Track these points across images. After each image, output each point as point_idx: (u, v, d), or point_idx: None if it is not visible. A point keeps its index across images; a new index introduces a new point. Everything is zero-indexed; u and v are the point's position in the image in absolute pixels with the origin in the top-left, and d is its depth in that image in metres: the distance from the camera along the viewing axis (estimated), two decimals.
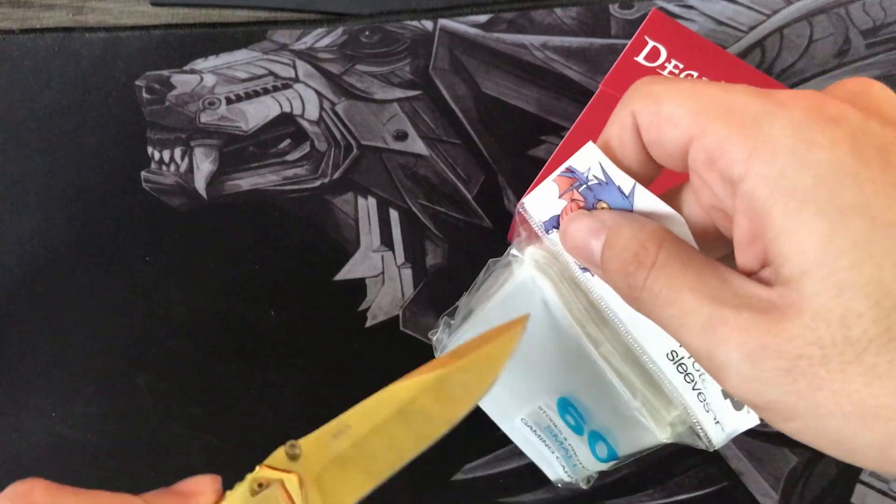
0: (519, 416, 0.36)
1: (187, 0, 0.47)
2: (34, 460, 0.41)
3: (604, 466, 0.34)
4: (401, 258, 0.43)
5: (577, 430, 0.34)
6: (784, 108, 0.21)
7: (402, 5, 0.46)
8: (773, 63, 0.44)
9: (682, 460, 0.39)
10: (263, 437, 0.41)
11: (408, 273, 0.42)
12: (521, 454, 0.38)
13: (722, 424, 0.27)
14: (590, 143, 0.26)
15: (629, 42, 0.40)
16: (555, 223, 0.27)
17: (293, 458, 0.26)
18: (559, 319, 0.30)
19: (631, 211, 0.25)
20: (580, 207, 0.26)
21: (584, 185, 0.26)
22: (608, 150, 0.26)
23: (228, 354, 0.42)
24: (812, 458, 0.39)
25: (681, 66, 0.39)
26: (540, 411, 0.35)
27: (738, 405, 0.27)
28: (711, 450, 0.28)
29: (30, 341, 0.43)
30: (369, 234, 0.43)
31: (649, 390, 0.29)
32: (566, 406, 0.34)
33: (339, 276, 0.43)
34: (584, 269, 0.27)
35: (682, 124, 0.22)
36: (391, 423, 0.27)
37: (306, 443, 0.26)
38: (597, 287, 0.27)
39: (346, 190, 0.44)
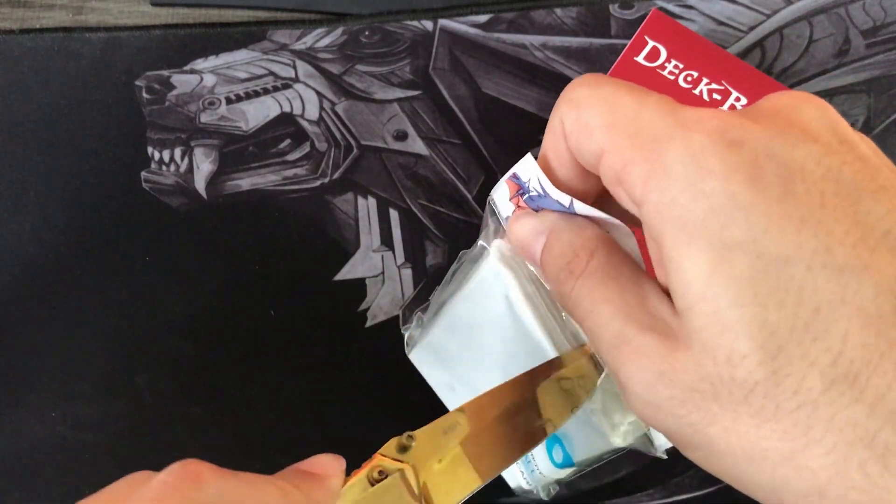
0: None
1: (187, 0, 0.47)
2: (34, 460, 0.41)
3: (561, 474, 0.33)
4: (401, 258, 0.43)
5: None
6: (684, 131, 0.20)
7: (402, 5, 0.46)
8: (773, 63, 0.44)
9: (682, 460, 0.39)
10: (264, 436, 0.41)
11: (408, 273, 0.42)
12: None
13: None
14: (528, 156, 0.25)
15: (629, 42, 0.40)
16: None
17: (405, 449, 0.26)
18: (519, 315, 0.29)
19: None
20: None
21: (527, 195, 0.26)
22: (546, 162, 0.25)
23: (228, 354, 0.42)
24: None
25: (681, 65, 0.39)
26: None
27: None
28: (662, 456, 0.28)
29: (30, 341, 0.43)
30: (369, 234, 0.43)
31: (607, 394, 0.29)
32: None
33: (339, 276, 0.43)
34: None
35: (596, 136, 0.22)
36: (501, 422, 0.27)
37: (420, 435, 0.26)
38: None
39: (346, 190, 0.44)
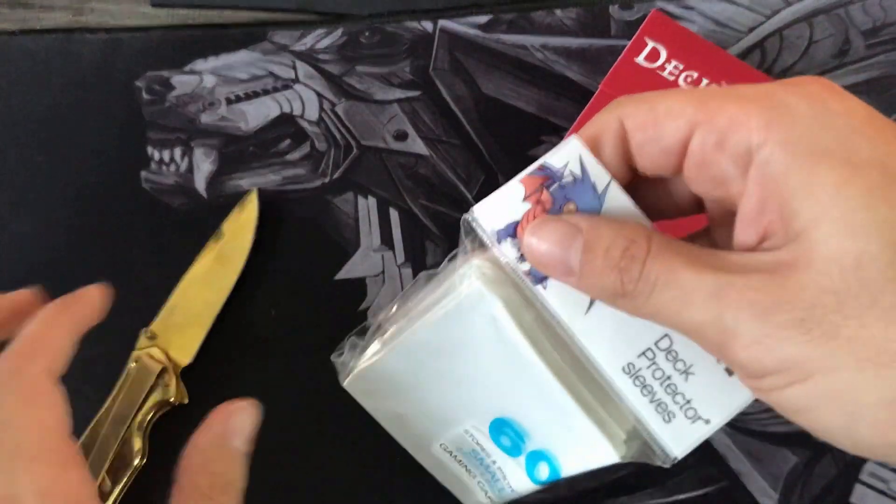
0: (438, 441, 0.34)
1: (187, 1, 0.47)
2: None
3: (537, 489, 0.33)
4: (401, 258, 0.43)
5: (514, 451, 0.32)
6: (796, 85, 0.21)
7: (402, 6, 0.47)
8: (773, 64, 0.45)
9: (681, 460, 0.39)
10: (263, 436, 0.41)
11: (408, 273, 0.42)
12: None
13: (682, 436, 0.26)
14: (573, 137, 0.25)
15: (629, 43, 0.40)
16: (511, 231, 0.26)
17: (152, 337, 0.41)
18: (507, 335, 0.28)
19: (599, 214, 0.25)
20: (545, 211, 0.25)
21: (557, 184, 0.25)
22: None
23: (229, 354, 0.42)
24: (812, 458, 0.39)
25: (681, 66, 0.39)
26: (465, 435, 0.33)
27: (703, 411, 0.26)
28: (668, 465, 0.27)
29: None
30: (369, 234, 0.43)
31: (603, 407, 0.28)
32: (502, 427, 0.32)
33: (340, 276, 0.43)
34: (538, 282, 0.26)
35: (685, 114, 0.22)
36: (199, 289, 0.42)
37: (155, 326, 0.41)
38: (550, 300, 0.26)
39: (346, 190, 0.44)
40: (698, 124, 0.22)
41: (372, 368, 0.33)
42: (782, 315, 0.20)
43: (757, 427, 0.39)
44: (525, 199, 0.25)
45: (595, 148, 0.25)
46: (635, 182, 0.26)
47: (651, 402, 0.26)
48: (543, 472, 0.31)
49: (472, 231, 0.27)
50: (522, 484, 0.33)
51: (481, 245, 0.27)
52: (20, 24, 0.47)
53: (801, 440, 0.39)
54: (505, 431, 0.32)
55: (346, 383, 0.34)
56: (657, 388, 0.26)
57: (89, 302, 0.32)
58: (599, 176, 0.25)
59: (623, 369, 0.26)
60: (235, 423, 0.28)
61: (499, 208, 0.26)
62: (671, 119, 0.23)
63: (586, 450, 0.29)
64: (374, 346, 0.33)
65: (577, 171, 0.25)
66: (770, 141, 0.21)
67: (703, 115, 0.22)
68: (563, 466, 0.31)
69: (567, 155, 0.25)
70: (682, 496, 0.39)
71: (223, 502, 0.27)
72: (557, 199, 0.25)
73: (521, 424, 0.31)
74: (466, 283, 0.28)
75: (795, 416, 0.21)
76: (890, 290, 0.19)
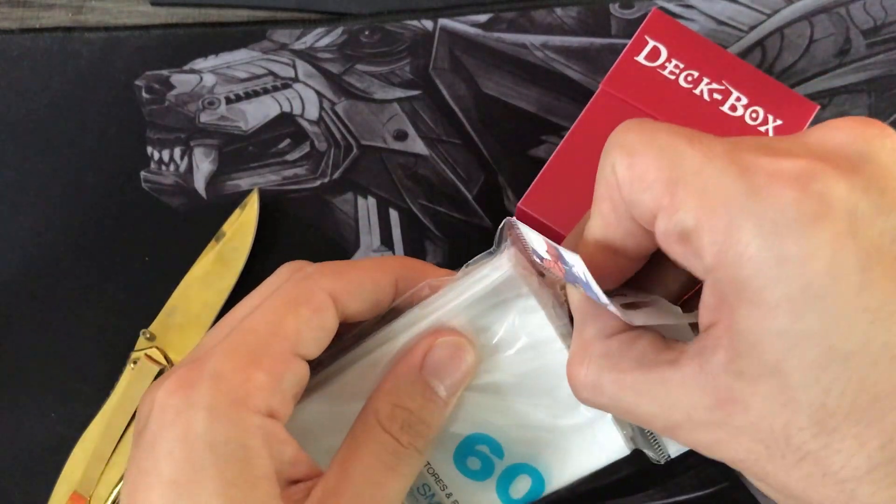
0: None
1: (187, 0, 0.47)
2: (33, 460, 0.41)
3: None
4: None
5: (483, 473, 0.29)
6: (761, 201, 0.19)
7: (402, 5, 0.46)
8: (773, 63, 0.44)
9: (682, 460, 0.39)
10: None
11: None
12: None
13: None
14: (577, 258, 0.22)
15: (630, 42, 0.40)
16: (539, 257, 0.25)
17: (151, 338, 0.41)
18: (533, 321, 0.27)
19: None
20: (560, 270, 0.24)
21: (569, 269, 0.24)
22: (601, 217, 0.24)
23: None
24: None
25: (681, 65, 0.39)
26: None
27: None
28: (663, 462, 0.27)
29: (30, 341, 0.43)
30: (369, 234, 0.43)
31: None
32: (475, 444, 0.29)
33: None
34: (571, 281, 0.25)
35: (654, 190, 0.21)
36: (198, 290, 0.41)
37: (155, 327, 0.41)
38: (572, 296, 0.26)
39: (346, 190, 0.44)
40: (662, 208, 0.21)
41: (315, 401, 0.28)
42: (726, 453, 0.22)
43: None
44: (546, 251, 0.24)
45: (614, 205, 0.23)
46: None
47: None
48: (521, 488, 0.29)
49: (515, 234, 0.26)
50: None
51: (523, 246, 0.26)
52: (19, 23, 0.47)
53: None
54: (476, 451, 0.29)
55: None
56: None
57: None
58: (602, 298, 0.23)
59: None
60: (436, 359, 0.26)
61: (537, 242, 0.25)
62: (642, 189, 0.21)
63: (584, 446, 0.28)
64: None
65: (583, 280, 0.23)
66: (717, 273, 0.20)
67: (668, 199, 0.21)
68: (553, 474, 0.29)
69: (577, 263, 0.23)
70: (682, 497, 0.39)
71: (404, 441, 0.25)
72: (567, 278, 0.24)
73: (499, 437, 0.28)
74: (499, 270, 0.26)
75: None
76: (811, 459, 0.20)
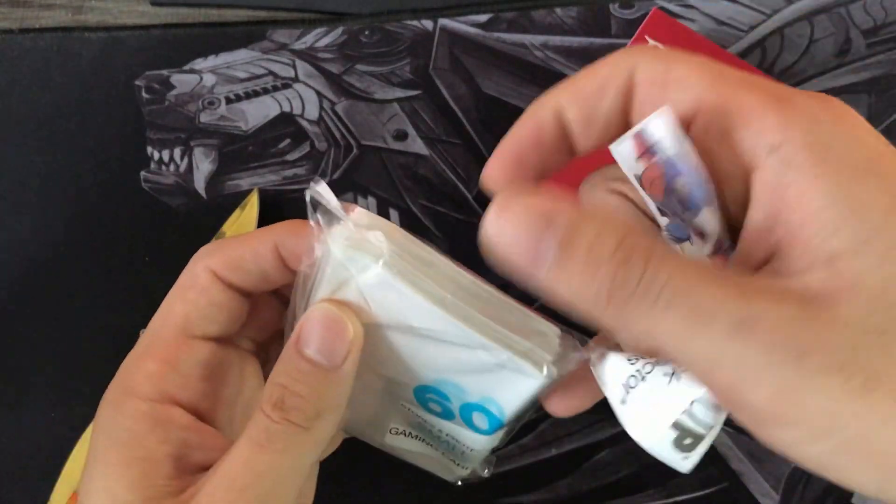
0: (388, 427, 0.32)
1: (187, 0, 0.47)
2: (33, 460, 0.41)
3: (493, 440, 0.30)
4: None
5: (447, 414, 0.30)
6: (815, 97, 0.19)
7: (402, 5, 0.46)
8: (773, 63, 0.44)
9: None
10: None
11: None
12: (521, 454, 0.38)
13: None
14: (667, 110, 0.20)
15: (629, 42, 0.40)
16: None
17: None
18: (392, 288, 0.25)
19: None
20: (661, 176, 0.21)
21: (661, 158, 0.21)
22: (571, 99, 0.23)
23: None
24: None
25: None
26: (406, 410, 0.30)
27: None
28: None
29: (30, 341, 0.43)
30: None
31: (516, 335, 0.26)
32: (424, 394, 0.29)
33: None
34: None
35: (695, 88, 0.20)
36: None
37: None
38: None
39: (346, 190, 0.44)
40: (703, 104, 0.20)
41: None
42: (819, 358, 0.17)
43: None
44: (638, 158, 0.21)
45: (598, 92, 0.22)
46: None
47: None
48: (482, 422, 0.29)
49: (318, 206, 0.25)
50: (476, 441, 0.30)
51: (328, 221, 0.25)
52: (19, 23, 0.47)
53: None
54: (428, 399, 0.29)
55: None
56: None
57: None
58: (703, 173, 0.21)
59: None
60: (306, 330, 0.25)
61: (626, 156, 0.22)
62: (680, 88, 0.20)
63: (512, 381, 0.27)
64: None
65: (679, 152, 0.21)
66: (790, 142, 0.18)
67: (712, 95, 0.20)
68: (502, 407, 0.28)
69: (665, 132, 0.20)
70: (682, 497, 0.39)
71: (275, 417, 0.24)
72: (668, 173, 0.21)
73: (443, 384, 0.28)
74: (332, 255, 0.25)
75: (818, 470, 0.19)
76: None
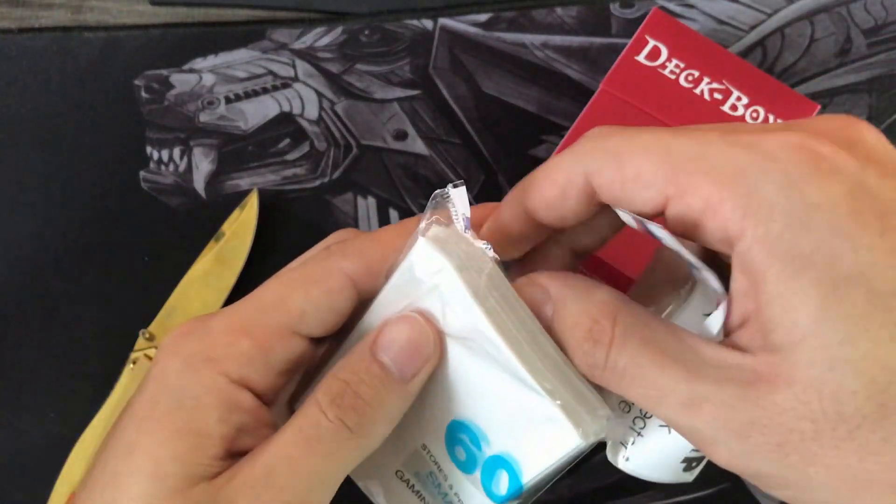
0: (394, 467, 0.29)
1: (186, 0, 0.47)
2: (31, 460, 0.41)
3: None
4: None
5: (469, 464, 0.27)
6: (774, 162, 0.19)
7: (402, 4, 0.46)
8: (774, 62, 0.44)
9: None
10: None
11: None
12: None
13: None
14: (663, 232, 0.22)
15: (630, 41, 0.40)
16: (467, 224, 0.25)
17: (150, 338, 0.41)
18: (458, 302, 0.24)
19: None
20: None
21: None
22: (545, 203, 0.24)
23: None
24: None
25: (682, 65, 0.39)
26: (423, 452, 0.28)
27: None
28: (619, 465, 0.26)
29: (28, 341, 0.42)
30: None
31: (573, 395, 0.25)
32: (457, 432, 0.27)
33: None
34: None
35: (656, 184, 0.21)
36: (198, 290, 0.41)
37: (154, 327, 0.41)
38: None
39: (346, 190, 0.44)
40: (671, 199, 0.21)
41: None
42: (760, 437, 0.19)
43: None
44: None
45: (560, 200, 0.23)
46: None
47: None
48: (503, 484, 0.27)
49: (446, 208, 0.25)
50: None
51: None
52: (19, 23, 0.47)
53: None
54: (459, 439, 0.27)
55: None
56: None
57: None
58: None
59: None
60: (386, 336, 0.25)
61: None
62: (640, 187, 0.21)
63: (547, 435, 0.25)
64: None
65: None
66: (745, 237, 0.19)
67: (673, 189, 0.21)
68: (523, 469, 0.26)
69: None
70: (683, 497, 0.39)
71: (330, 415, 0.24)
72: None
73: (478, 425, 0.27)
74: (415, 247, 0.25)
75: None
76: (866, 425, 0.18)
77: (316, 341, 0.27)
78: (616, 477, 0.39)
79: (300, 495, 0.23)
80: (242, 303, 0.25)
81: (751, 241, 0.19)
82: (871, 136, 0.20)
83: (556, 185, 0.23)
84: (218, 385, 0.24)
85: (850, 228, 0.19)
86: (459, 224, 0.25)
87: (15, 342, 0.42)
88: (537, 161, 0.43)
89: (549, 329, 0.24)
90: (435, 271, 0.24)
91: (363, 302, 0.26)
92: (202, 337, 0.25)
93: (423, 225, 0.25)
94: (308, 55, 0.46)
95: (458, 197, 0.25)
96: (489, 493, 0.27)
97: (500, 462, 0.27)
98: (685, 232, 0.21)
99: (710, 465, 0.40)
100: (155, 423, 0.24)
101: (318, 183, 0.44)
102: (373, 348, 0.25)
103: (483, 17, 0.46)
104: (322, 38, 0.46)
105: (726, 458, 0.20)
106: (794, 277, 0.19)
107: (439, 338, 0.25)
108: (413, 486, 0.29)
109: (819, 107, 0.38)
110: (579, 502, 0.39)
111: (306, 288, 0.25)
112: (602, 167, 0.22)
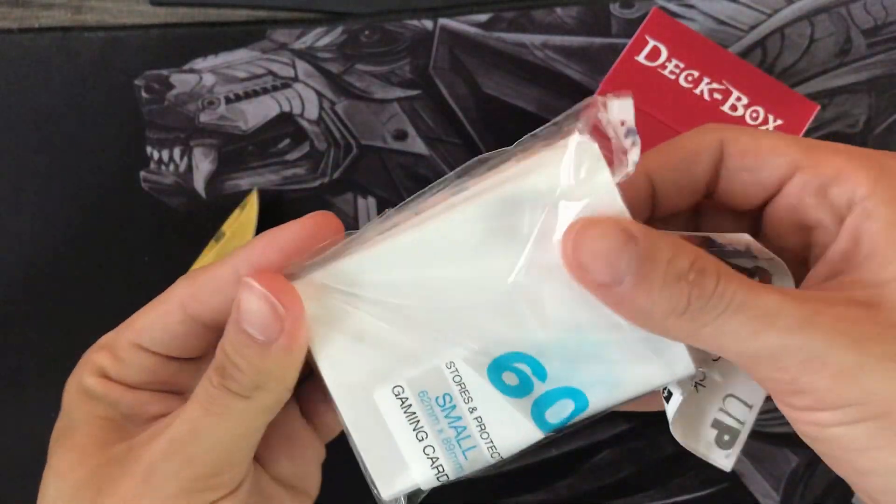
0: (393, 382, 0.25)
1: (186, 0, 0.47)
2: (32, 461, 0.41)
3: (533, 442, 0.26)
4: None
5: (521, 390, 0.25)
6: (891, 156, 0.23)
7: (402, 4, 0.46)
8: (774, 63, 0.44)
9: (682, 461, 0.39)
10: None
11: None
12: (521, 455, 0.38)
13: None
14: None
15: (630, 42, 0.40)
16: None
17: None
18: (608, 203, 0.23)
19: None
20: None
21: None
22: (671, 165, 0.25)
23: None
24: (813, 459, 0.39)
25: (682, 65, 0.39)
26: (446, 371, 0.25)
27: None
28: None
29: (29, 341, 0.43)
30: None
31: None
32: (512, 361, 0.25)
33: None
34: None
35: (789, 155, 0.23)
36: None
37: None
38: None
39: (346, 190, 0.44)
40: (802, 168, 0.23)
41: (355, 266, 0.25)
42: (879, 346, 0.20)
43: (758, 428, 0.39)
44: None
45: (692, 161, 0.25)
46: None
47: None
48: (561, 412, 0.25)
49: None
50: (512, 436, 0.26)
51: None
52: (19, 23, 0.47)
53: (802, 441, 0.39)
54: (514, 367, 0.25)
55: (300, 283, 0.25)
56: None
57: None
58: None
59: None
60: (243, 307, 0.24)
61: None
62: (775, 155, 0.24)
63: (652, 361, 0.24)
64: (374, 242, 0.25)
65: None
66: (875, 196, 0.22)
67: (809, 160, 0.23)
68: (599, 398, 0.25)
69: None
70: (683, 497, 0.39)
71: (215, 382, 0.25)
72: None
73: (543, 362, 0.25)
74: (572, 146, 0.23)
75: (846, 454, 0.22)
76: None
77: (183, 359, 0.28)
78: (616, 477, 0.39)
79: (204, 452, 0.25)
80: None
81: (878, 201, 0.22)
82: None
83: (685, 148, 0.25)
84: (82, 388, 0.28)
85: None
86: (625, 141, 0.23)
87: (15, 342, 0.42)
88: None
89: (621, 283, 0.22)
90: (588, 177, 0.23)
91: (210, 326, 0.27)
92: (87, 354, 0.29)
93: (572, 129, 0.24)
94: (308, 55, 0.46)
95: (623, 108, 0.23)
96: (538, 420, 0.26)
97: (568, 392, 0.25)
98: (801, 198, 0.23)
99: (710, 466, 0.40)
100: (54, 459, 0.27)
101: (318, 183, 0.44)
102: (238, 319, 0.25)
103: (483, 18, 0.46)
104: (322, 38, 0.46)
105: (833, 373, 0.20)
106: None
107: (295, 297, 0.25)
108: (409, 406, 0.26)
109: (818, 107, 0.38)
110: (580, 502, 0.39)
111: (150, 309, 0.28)
112: (740, 136, 0.24)
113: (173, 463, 0.25)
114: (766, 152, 0.24)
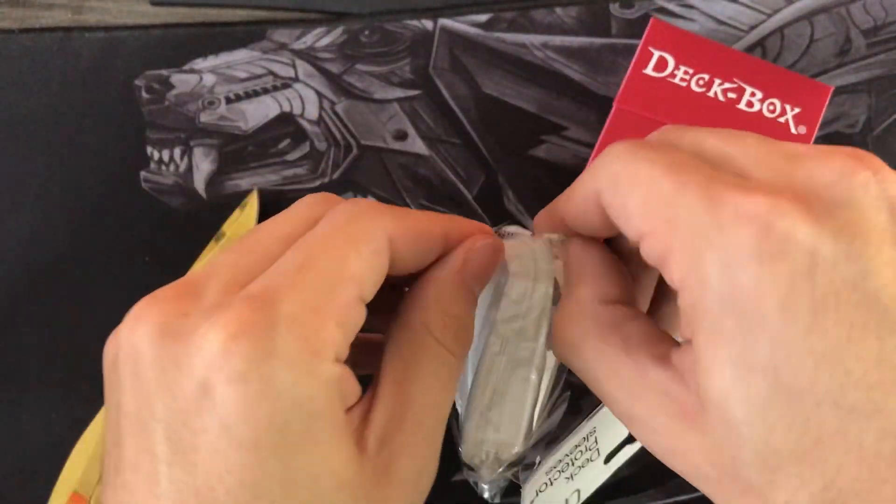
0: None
1: (187, 0, 0.47)
2: (33, 462, 0.41)
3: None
4: None
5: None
6: (724, 236, 0.20)
7: (402, 5, 0.46)
8: (773, 62, 0.44)
9: None
10: None
11: None
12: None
13: None
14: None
15: (635, 56, 0.40)
16: None
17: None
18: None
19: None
20: None
21: None
22: (573, 217, 0.26)
23: None
24: None
25: (690, 70, 0.39)
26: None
27: None
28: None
29: (29, 341, 0.42)
30: None
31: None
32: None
33: None
34: None
35: (634, 220, 0.22)
36: None
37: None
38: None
39: (346, 190, 0.44)
40: (642, 235, 0.22)
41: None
42: (679, 464, 0.22)
43: None
44: None
45: (583, 215, 0.25)
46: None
47: None
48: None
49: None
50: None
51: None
52: (19, 23, 0.47)
53: None
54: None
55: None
56: None
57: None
58: None
59: None
60: (476, 263, 0.25)
61: None
62: (626, 217, 0.23)
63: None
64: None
65: None
66: (682, 294, 0.21)
67: (646, 228, 0.22)
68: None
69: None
70: (683, 497, 0.39)
71: (457, 354, 0.24)
72: None
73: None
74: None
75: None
76: (754, 492, 0.20)
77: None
78: (616, 477, 0.39)
79: (440, 431, 0.24)
80: (302, 274, 0.22)
81: (686, 300, 0.21)
82: (868, 199, 0.20)
83: (577, 203, 0.25)
84: (334, 374, 0.21)
85: (775, 322, 0.19)
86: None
87: (15, 342, 0.42)
88: (537, 161, 0.44)
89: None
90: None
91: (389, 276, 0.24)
92: (290, 329, 0.21)
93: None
94: (308, 55, 0.46)
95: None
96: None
97: None
98: (658, 267, 0.22)
99: None
100: (293, 452, 0.21)
101: (318, 183, 0.44)
102: (464, 275, 0.25)
103: (483, 18, 0.46)
104: (322, 38, 0.46)
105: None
106: (713, 351, 0.20)
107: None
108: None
109: (833, 88, 0.38)
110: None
111: (358, 249, 0.22)
112: (604, 190, 0.23)
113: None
114: (620, 211, 0.23)
